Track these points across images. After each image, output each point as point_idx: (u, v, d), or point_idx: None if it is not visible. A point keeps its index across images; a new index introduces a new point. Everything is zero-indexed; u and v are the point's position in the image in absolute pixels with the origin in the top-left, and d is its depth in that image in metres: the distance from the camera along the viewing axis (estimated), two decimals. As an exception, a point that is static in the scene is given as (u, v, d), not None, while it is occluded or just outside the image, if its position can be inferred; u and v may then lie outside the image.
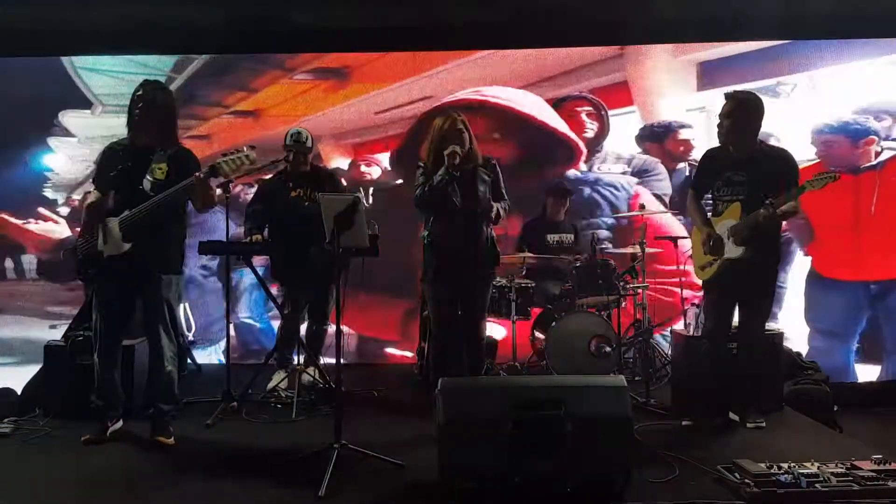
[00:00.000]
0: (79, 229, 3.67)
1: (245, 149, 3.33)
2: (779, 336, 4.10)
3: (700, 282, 3.84)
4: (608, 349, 4.32)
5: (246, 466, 3.18)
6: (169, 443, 3.44)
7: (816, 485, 2.67)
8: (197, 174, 3.30)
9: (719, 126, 3.59)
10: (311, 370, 4.23)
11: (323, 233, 3.23)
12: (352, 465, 3.04)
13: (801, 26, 5.43)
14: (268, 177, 4.51)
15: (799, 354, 4.64)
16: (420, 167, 3.74)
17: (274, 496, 2.86)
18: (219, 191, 4.16)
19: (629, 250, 4.87)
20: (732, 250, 3.49)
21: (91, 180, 3.61)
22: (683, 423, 3.67)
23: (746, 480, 2.73)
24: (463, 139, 3.62)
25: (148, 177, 3.37)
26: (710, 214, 3.68)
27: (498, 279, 4.37)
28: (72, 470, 3.17)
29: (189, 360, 5.05)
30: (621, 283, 4.64)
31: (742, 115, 3.50)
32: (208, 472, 3.13)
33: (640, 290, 4.75)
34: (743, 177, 3.49)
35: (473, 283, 3.75)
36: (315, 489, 2.78)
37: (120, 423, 3.59)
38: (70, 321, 4.37)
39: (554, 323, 4.41)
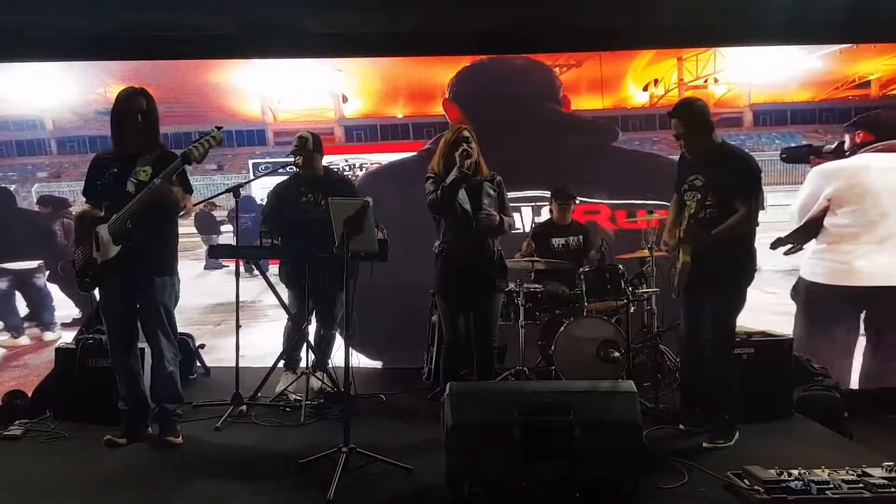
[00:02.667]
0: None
1: (213, 130, 3.44)
2: (788, 342, 4.07)
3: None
4: (617, 354, 4.30)
5: (255, 469, 3.20)
6: (178, 442, 3.49)
7: (827, 492, 2.66)
8: (172, 165, 3.33)
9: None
10: (320, 374, 4.24)
11: (329, 238, 3.24)
12: (360, 469, 3.06)
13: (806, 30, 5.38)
14: (285, 178, 4.52)
15: (809, 360, 4.60)
16: (430, 177, 3.74)
17: (282, 499, 2.88)
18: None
19: (638, 254, 4.84)
20: (680, 257, 3.46)
21: (82, 192, 3.59)
22: (681, 426, 3.68)
23: (756, 487, 2.72)
24: (471, 146, 3.63)
25: (132, 179, 3.39)
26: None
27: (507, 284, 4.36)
28: (81, 470, 3.20)
29: (198, 363, 5.07)
30: (630, 289, 4.61)
31: (683, 127, 3.44)
32: (217, 474, 3.15)
33: (649, 295, 4.71)
34: (701, 181, 3.48)
35: (484, 291, 3.76)
36: (323, 492, 2.79)
37: (147, 431, 3.60)
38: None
39: (562, 328, 4.40)
